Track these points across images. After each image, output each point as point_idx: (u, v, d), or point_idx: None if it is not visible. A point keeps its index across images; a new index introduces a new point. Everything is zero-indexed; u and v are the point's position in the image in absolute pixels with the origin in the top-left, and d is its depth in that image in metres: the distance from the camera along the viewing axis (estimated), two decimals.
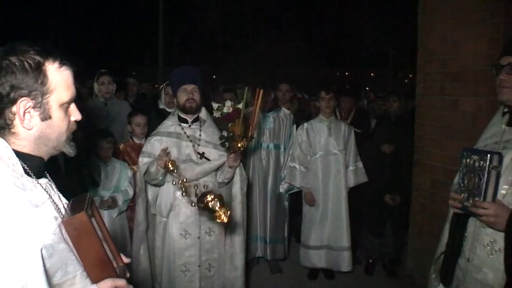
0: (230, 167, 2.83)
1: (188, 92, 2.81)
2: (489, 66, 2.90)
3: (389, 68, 26.03)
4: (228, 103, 2.70)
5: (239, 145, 2.64)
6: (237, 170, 2.94)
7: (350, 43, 26.54)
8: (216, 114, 2.75)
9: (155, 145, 2.84)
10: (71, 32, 21.01)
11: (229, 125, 2.68)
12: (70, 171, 2.82)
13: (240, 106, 2.68)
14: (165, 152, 2.64)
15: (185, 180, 2.37)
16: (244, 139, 2.64)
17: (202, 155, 2.82)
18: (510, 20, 2.87)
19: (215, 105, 2.78)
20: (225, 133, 2.76)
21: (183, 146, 2.85)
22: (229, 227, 2.97)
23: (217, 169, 2.89)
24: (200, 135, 2.89)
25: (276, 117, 4.19)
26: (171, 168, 2.47)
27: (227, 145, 2.71)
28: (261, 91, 2.64)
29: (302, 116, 4.96)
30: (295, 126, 4.23)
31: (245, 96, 2.67)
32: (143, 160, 2.85)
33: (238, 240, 2.98)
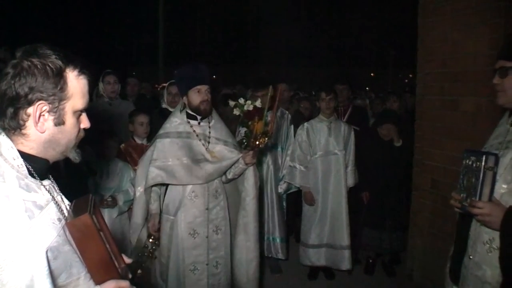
0: (246, 164, 2.80)
1: (202, 94, 2.74)
2: (489, 66, 2.92)
3: (389, 68, 26.06)
4: (248, 101, 2.69)
5: (257, 142, 2.63)
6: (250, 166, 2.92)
7: (350, 43, 26.57)
8: (236, 112, 2.72)
9: (166, 147, 2.79)
10: (71, 32, 21.02)
11: (249, 122, 2.66)
12: (70, 170, 2.81)
13: (258, 103, 2.67)
14: (156, 230, 2.82)
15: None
16: (264, 136, 2.64)
17: (213, 154, 2.80)
18: (510, 20, 2.87)
19: (232, 103, 2.77)
20: (242, 131, 2.74)
21: (195, 145, 2.81)
22: (242, 223, 2.96)
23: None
24: (209, 132, 2.86)
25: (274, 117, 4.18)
26: (151, 242, 2.64)
27: (245, 142, 2.69)
28: (281, 86, 2.62)
29: (302, 117, 4.95)
30: (292, 126, 4.23)
31: (269, 94, 2.64)
32: (154, 171, 2.76)
33: (252, 233, 2.95)
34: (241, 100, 2.73)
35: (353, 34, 26.05)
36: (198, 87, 2.74)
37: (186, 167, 2.76)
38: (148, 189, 2.86)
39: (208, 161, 2.79)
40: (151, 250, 2.77)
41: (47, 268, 1.04)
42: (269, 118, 2.81)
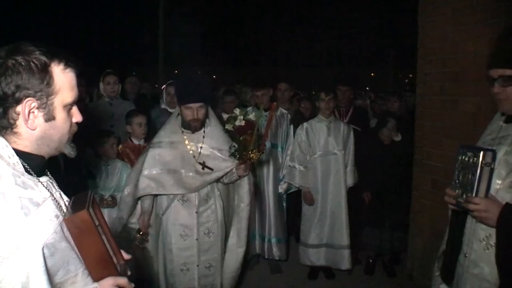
0: (239, 176, 2.79)
1: (193, 112, 2.70)
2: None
3: (389, 68, 26.06)
4: (240, 116, 2.64)
5: (250, 155, 2.60)
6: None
7: (351, 43, 26.58)
8: (228, 127, 2.68)
9: (157, 157, 2.80)
10: (71, 32, 21.02)
11: (241, 138, 2.63)
12: (70, 168, 2.82)
13: (252, 117, 2.64)
14: (146, 228, 2.90)
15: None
16: (255, 150, 2.60)
17: (203, 166, 2.77)
18: (510, 20, 2.87)
19: (225, 116, 2.75)
20: (235, 144, 2.71)
21: (185, 155, 2.80)
22: (236, 228, 2.98)
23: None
24: (203, 141, 2.82)
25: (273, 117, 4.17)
26: (139, 237, 2.77)
27: (237, 155, 2.67)
28: (275, 104, 2.61)
29: (302, 117, 4.94)
30: (292, 126, 4.22)
31: (259, 115, 2.61)
32: (144, 181, 2.76)
33: (244, 239, 2.98)
34: (236, 111, 2.69)
35: (353, 34, 26.04)
36: (190, 105, 2.70)
37: (174, 177, 2.77)
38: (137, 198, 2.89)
39: (197, 172, 2.78)
40: (138, 243, 2.86)
41: (43, 265, 1.04)
42: (265, 119, 2.78)
